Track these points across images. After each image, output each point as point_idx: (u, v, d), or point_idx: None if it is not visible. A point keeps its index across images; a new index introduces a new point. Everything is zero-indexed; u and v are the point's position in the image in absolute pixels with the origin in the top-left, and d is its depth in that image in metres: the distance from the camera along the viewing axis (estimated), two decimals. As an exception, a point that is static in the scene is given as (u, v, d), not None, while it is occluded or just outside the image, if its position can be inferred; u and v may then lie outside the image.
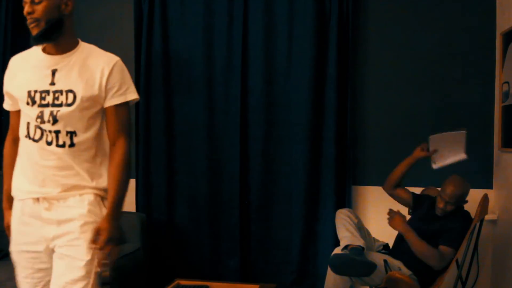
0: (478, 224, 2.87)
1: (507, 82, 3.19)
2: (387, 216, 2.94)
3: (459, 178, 2.89)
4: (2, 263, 2.77)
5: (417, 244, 2.77)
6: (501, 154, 3.32)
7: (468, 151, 3.45)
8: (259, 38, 3.60)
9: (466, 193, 2.89)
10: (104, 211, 1.91)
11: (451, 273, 3.17)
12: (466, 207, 2.97)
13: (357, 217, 2.95)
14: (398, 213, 2.93)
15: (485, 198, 2.80)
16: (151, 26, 3.71)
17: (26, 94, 1.87)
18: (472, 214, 2.87)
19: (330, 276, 2.88)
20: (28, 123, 1.88)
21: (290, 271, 3.60)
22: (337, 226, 2.93)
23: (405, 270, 2.77)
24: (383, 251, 3.05)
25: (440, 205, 2.87)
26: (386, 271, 2.72)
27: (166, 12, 3.72)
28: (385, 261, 2.75)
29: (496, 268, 3.36)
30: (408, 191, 3.17)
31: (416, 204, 3.10)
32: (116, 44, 3.85)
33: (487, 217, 3.32)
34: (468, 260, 3.02)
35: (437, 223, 2.88)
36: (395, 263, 2.80)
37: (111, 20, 3.88)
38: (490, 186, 3.42)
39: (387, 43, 3.57)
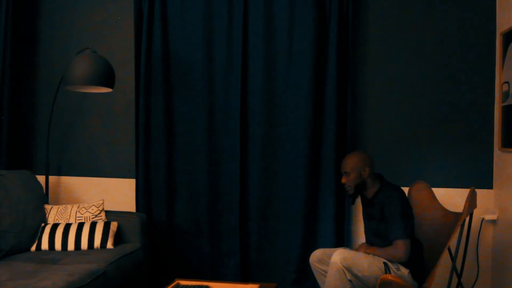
0: (468, 219, 2.85)
1: (507, 82, 3.19)
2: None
3: (354, 151, 2.96)
4: (2, 263, 2.77)
5: (381, 254, 2.77)
6: (501, 154, 3.32)
7: (468, 152, 3.47)
8: (259, 38, 3.60)
9: (363, 159, 2.87)
10: None
11: (446, 270, 3.18)
12: (460, 206, 2.95)
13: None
14: (362, 244, 2.95)
15: (473, 192, 2.76)
16: (151, 26, 3.71)
17: None
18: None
19: (331, 278, 2.88)
20: None
21: (290, 271, 3.60)
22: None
23: (403, 270, 2.77)
24: None
25: (343, 180, 2.90)
26: (386, 273, 2.72)
27: (166, 12, 3.72)
28: (385, 263, 2.75)
29: (496, 268, 3.36)
30: None
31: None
32: (116, 44, 3.87)
33: (487, 217, 3.33)
34: (461, 256, 3.02)
35: (374, 207, 2.87)
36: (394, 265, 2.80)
37: (111, 20, 3.89)
38: (490, 186, 3.43)
39: (387, 43, 3.58)
